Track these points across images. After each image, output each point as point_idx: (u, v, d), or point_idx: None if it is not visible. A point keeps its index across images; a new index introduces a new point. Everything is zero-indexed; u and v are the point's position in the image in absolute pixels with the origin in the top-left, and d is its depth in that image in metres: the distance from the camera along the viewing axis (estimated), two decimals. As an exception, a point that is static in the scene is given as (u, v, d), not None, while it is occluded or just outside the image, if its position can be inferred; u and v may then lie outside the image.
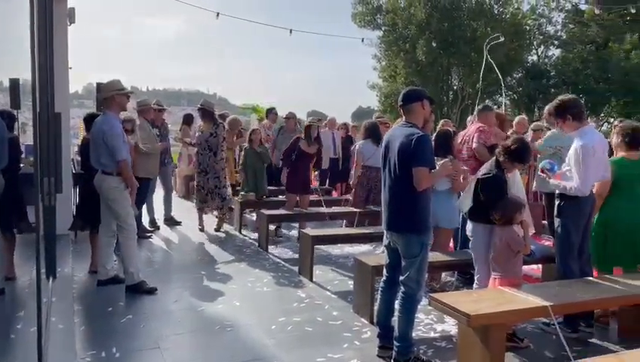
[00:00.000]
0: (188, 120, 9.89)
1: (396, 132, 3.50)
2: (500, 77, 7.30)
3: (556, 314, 3.63)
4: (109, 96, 4.84)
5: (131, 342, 3.81)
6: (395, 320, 3.51)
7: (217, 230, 7.73)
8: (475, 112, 5.98)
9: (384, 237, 3.64)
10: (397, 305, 3.49)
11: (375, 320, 3.84)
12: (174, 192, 10.10)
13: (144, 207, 7.31)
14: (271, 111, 10.56)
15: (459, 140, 5.75)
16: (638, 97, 22.68)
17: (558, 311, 3.47)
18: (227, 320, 4.24)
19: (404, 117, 3.54)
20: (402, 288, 3.45)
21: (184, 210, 9.11)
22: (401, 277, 3.46)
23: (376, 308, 3.82)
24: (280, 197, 8.07)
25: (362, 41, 22.40)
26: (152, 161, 6.96)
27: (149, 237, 7.18)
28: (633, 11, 23.38)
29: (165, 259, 6.26)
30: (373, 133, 6.96)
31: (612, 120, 22.23)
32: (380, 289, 3.71)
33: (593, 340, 4.03)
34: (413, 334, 3.79)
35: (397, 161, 3.37)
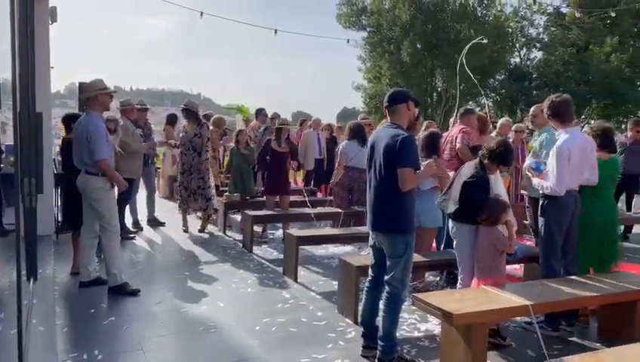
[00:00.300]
0: (171, 120, 9.83)
1: (381, 133, 3.52)
2: (475, 80, 7.35)
3: (537, 313, 3.69)
4: (92, 95, 4.80)
5: (114, 344, 3.78)
6: (379, 320, 3.53)
7: (201, 231, 7.69)
8: (457, 114, 6.02)
9: (370, 237, 3.66)
10: (381, 304, 3.51)
11: (359, 320, 3.85)
12: (158, 193, 10.03)
13: (127, 207, 7.26)
14: (260, 112, 10.50)
15: (442, 141, 5.80)
16: (617, 99, 23.07)
17: (538, 310, 3.54)
18: (211, 321, 4.22)
19: (389, 118, 3.56)
20: (387, 288, 3.47)
21: (168, 210, 9.05)
22: (386, 277, 3.48)
23: (360, 308, 3.84)
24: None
25: (347, 42, 22.42)
26: (136, 161, 6.90)
27: (133, 238, 7.12)
28: (613, 15, 23.75)
29: (148, 260, 6.21)
30: (358, 134, 6.98)
31: (592, 121, 22.55)
32: (365, 289, 3.73)
33: (574, 339, 4.10)
34: (397, 333, 3.81)
35: (382, 162, 3.39)
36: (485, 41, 7.29)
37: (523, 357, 3.72)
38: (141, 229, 7.66)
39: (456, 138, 5.69)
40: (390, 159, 3.33)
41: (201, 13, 14.91)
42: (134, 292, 4.82)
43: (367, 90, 28.33)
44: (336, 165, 7.10)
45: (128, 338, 3.88)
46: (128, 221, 7.46)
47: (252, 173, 7.93)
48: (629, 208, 7.62)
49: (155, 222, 8.07)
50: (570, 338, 4.09)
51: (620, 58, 22.76)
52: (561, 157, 3.95)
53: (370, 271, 3.72)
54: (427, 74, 26.11)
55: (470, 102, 27.80)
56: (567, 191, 4.03)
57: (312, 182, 10.60)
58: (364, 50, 27.53)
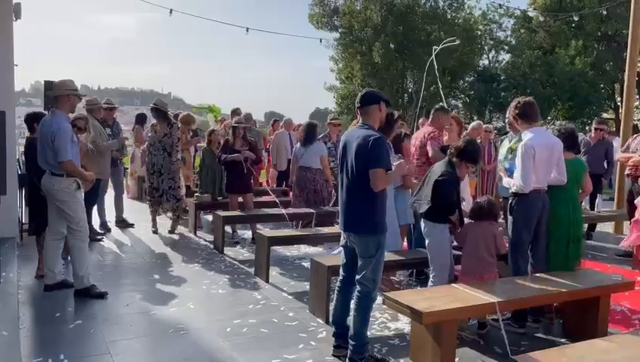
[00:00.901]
0: (141, 120, 9.69)
1: (353, 134, 3.53)
2: (440, 83, 7.43)
3: (504, 311, 3.77)
4: (64, 94, 4.70)
5: (80, 348, 3.70)
6: (350, 320, 3.54)
7: (172, 232, 7.59)
8: (431, 114, 5.98)
9: (341, 237, 3.67)
10: (352, 304, 3.52)
11: (331, 320, 3.86)
12: (126, 193, 9.87)
13: (95, 208, 7.12)
14: (235, 112, 10.41)
15: (412, 142, 5.82)
16: (581, 101, 23.71)
17: (505, 308, 3.61)
18: (181, 323, 4.17)
19: (360, 119, 3.58)
20: (358, 287, 3.48)
21: (137, 211, 8.90)
22: (358, 277, 3.49)
23: (332, 308, 3.85)
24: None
25: (320, 42, 22.46)
26: (103, 161, 6.77)
27: (100, 240, 6.98)
28: (576, 19, 24.43)
29: (117, 262, 6.09)
30: (307, 134, 7.15)
31: (559, 122, 23.11)
32: (337, 288, 3.74)
33: (540, 335, 4.19)
34: (368, 333, 3.84)
35: (354, 163, 3.40)
36: (458, 42, 7.38)
37: (490, 354, 3.78)
38: (109, 231, 7.52)
39: (427, 144, 5.57)
40: (362, 160, 3.35)
41: (171, 11, 14.72)
42: (101, 295, 4.73)
43: (339, 91, 28.42)
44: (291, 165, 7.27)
45: (95, 342, 3.80)
46: (96, 222, 7.31)
47: (223, 173, 7.88)
48: (592, 207, 7.83)
49: (123, 223, 7.93)
50: (536, 335, 4.19)
51: (584, 61, 23.42)
52: (526, 155, 4.05)
53: (341, 271, 3.73)
54: (398, 75, 26.34)
55: (440, 104, 28.16)
56: (535, 190, 4.12)
57: (285, 183, 10.58)
58: (336, 50, 27.63)
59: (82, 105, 6.80)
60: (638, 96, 21.67)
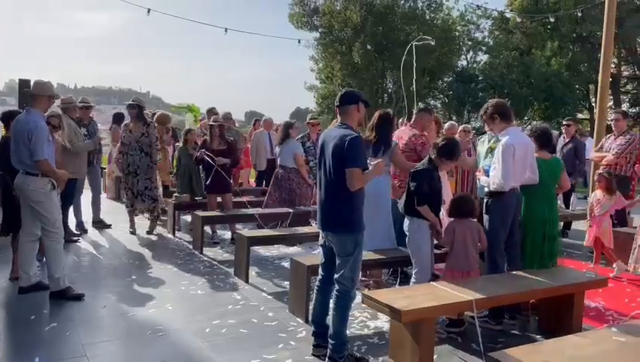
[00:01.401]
0: (118, 119, 9.55)
1: (331, 133, 3.55)
2: (414, 85, 7.47)
3: (481, 308, 3.82)
4: (43, 95, 4.63)
5: (56, 351, 3.64)
6: (329, 319, 3.55)
7: (150, 232, 7.51)
8: (414, 114, 5.98)
9: (320, 236, 3.68)
10: (331, 303, 3.53)
11: (310, 319, 3.87)
12: (104, 194, 9.73)
13: (71, 209, 7.00)
14: (210, 111, 10.33)
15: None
16: (557, 101, 24.10)
17: (482, 305, 3.66)
18: (159, 324, 4.13)
19: (339, 118, 3.60)
20: (337, 286, 3.49)
21: (114, 212, 8.77)
22: (336, 276, 3.50)
23: (311, 307, 3.86)
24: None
25: (299, 42, 22.45)
26: (79, 160, 6.67)
27: (76, 241, 6.87)
28: (552, 20, 24.83)
29: (94, 263, 6.01)
30: (282, 133, 7.27)
31: (534, 123, 23.47)
32: (316, 288, 3.74)
33: (516, 332, 4.26)
34: (348, 331, 3.86)
35: (331, 162, 3.42)
36: (433, 43, 7.43)
37: (468, 351, 3.83)
38: (85, 231, 7.41)
39: (415, 148, 5.49)
40: (338, 159, 3.36)
41: (149, 10, 14.56)
42: (78, 297, 4.65)
43: (319, 91, 28.43)
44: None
45: (72, 345, 3.75)
46: (72, 223, 7.20)
47: (200, 173, 7.83)
48: (567, 206, 7.98)
49: (100, 224, 7.82)
50: (513, 332, 4.25)
51: (560, 62, 23.82)
52: (507, 153, 4.12)
53: (320, 270, 3.74)
54: (378, 75, 26.46)
55: (420, 104, 28.39)
56: (511, 189, 4.20)
57: (264, 183, 10.55)
58: (316, 50, 27.64)
59: (57, 105, 6.69)
60: (611, 97, 22.16)
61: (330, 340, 3.49)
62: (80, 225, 7.45)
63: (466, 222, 4.23)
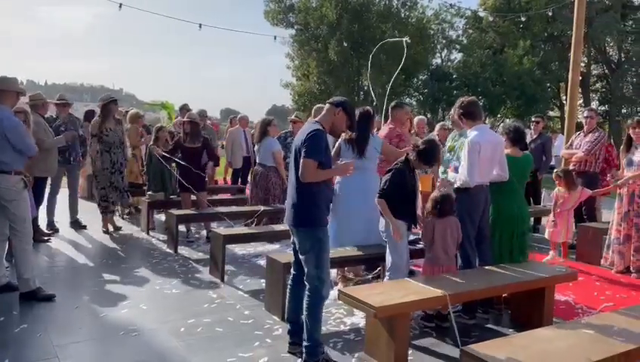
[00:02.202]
0: (89, 117, 9.35)
1: (302, 129, 3.57)
2: (378, 90, 7.55)
3: (455, 303, 3.87)
4: (11, 90, 4.52)
5: (26, 353, 3.56)
6: (303, 319, 3.51)
7: (117, 229, 7.42)
8: (390, 113, 6.02)
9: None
10: (304, 303, 3.48)
11: (286, 317, 3.86)
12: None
13: (43, 208, 6.86)
14: (184, 108, 10.21)
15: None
16: (529, 99, 24.56)
17: (454, 300, 3.71)
18: (132, 324, 4.08)
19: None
20: (307, 285, 3.45)
21: (87, 211, 8.58)
22: (305, 276, 3.45)
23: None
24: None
25: (275, 38, 22.35)
26: (49, 158, 6.52)
27: (47, 241, 6.73)
28: (524, 19, 25.27)
29: (66, 263, 5.89)
30: (260, 130, 7.19)
31: (507, 120, 23.87)
32: (289, 286, 3.73)
33: (489, 326, 4.33)
34: (324, 328, 3.87)
35: (294, 157, 3.42)
36: (409, 41, 7.47)
37: (442, 345, 3.88)
38: (56, 231, 7.25)
39: (390, 140, 5.59)
40: (298, 152, 3.36)
41: (120, 5, 14.31)
42: (49, 298, 4.56)
43: (295, 88, 28.38)
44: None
45: (42, 347, 3.67)
46: (43, 222, 7.05)
47: (172, 171, 7.76)
48: (536, 202, 8.13)
49: (76, 225, 7.65)
50: (486, 325, 4.32)
51: (532, 61, 24.26)
52: (472, 151, 4.20)
53: (292, 268, 3.73)
54: (354, 73, 26.53)
55: (395, 102, 28.53)
56: (478, 185, 4.27)
57: (240, 181, 10.51)
58: (292, 47, 27.58)
59: (25, 101, 6.55)
60: (581, 95, 22.67)
61: (304, 342, 3.44)
62: (51, 224, 7.29)
63: (445, 218, 4.25)
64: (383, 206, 4.13)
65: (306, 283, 3.44)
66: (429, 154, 4.20)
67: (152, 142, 7.70)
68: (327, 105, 3.57)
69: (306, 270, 3.43)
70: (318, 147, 3.31)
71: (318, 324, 3.43)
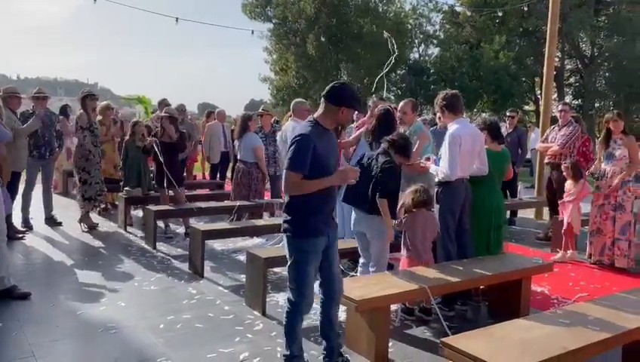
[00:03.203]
0: (65, 111, 9.17)
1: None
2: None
3: (434, 295, 3.91)
4: None
5: (1, 352, 3.49)
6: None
7: (94, 227, 7.30)
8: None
9: None
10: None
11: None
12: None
13: (17, 205, 6.71)
14: (162, 103, 10.06)
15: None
16: (505, 94, 24.83)
17: (435, 293, 3.75)
18: (111, 322, 4.03)
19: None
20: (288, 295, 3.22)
21: (64, 207, 8.44)
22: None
23: (269, 299, 3.80)
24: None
25: (252, 32, 22.18)
26: (19, 153, 6.39)
27: (22, 238, 6.59)
28: (500, 14, 25.54)
29: (42, 261, 5.78)
30: (240, 126, 7.13)
31: (484, 114, 24.14)
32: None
33: (468, 317, 4.40)
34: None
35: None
36: (392, 39, 7.46)
37: (421, 337, 3.92)
38: (31, 228, 7.11)
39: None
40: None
41: (95, -2, 14.06)
42: (24, 296, 4.48)
43: (274, 82, 28.23)
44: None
45: (18, 345, 3.60)
46: (17, 219, 6.90)
47: (149, 167, 7.69)
48: (513, 195, 8.25)
49: (52, 221, 7.50)
50: (465, 317, 4.39)
51: (508, 55, 24.51)
52: (453, 144, 4.24)
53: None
54: (332, 67, 26.48)
55: (373, 95, 28.64)
56: (459, 179, 4.32)
57: (219, 176, 10.43)
58: (270, 41, 27.40)
59: (-2, 94, 6.41)
60: (555, 90, 23.04)
61: (285, 353, 3.22)
62: (26, 221, 7.15)
63: (426, 213, 4.28)
64: (385, 205, 4.05)
65: (288, 293, 3.19)
66: (408, 148, 4.24)
67: (128, 137, 7.60)
68: (326, 103, 3.08)
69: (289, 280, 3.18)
70: (300, 157, 2.94)
71: (291, 338, 3.18)
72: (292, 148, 2.97)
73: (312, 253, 3.09)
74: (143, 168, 7.46)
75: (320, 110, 3.13)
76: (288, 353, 3.20)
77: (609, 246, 5.92)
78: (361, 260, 4.42)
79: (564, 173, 6.33)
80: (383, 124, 4.88)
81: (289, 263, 3.14)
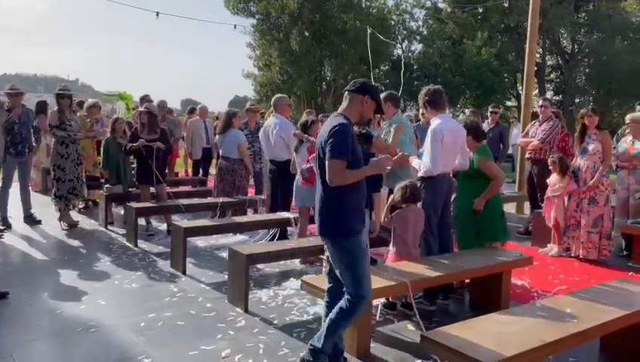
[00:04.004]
0: (42, 108, 9.01)
1: (325, 124, 3.14)
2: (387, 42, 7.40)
3: (416, 290, 3.94)
4: None
5: (-22, 354, 3.44)
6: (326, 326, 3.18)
7: (75, 225, 7.21)
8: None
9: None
10: (335, 307, 3.14)
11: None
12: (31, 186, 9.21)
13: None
14: (144, 99, 9.94)
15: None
16: (487, 90, 25.07)
17: (415, 287, 3.77)
18: (91, 320, 3.98)
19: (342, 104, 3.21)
20: (346, 296, 3.11)
21: (43, 205, 8.31)
22: (345, 289, 3.13)
23: (251, 296, 3.79)
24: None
25: (234, 27, 22.06)
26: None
27: (0, 237, 6.48)
28: (482, 11, 25.73)
29: (20, 260, 5.69)
30: (224, 122, 7.08)
31: (467, 110, 24.32)
32: (325, 303, 3.35)
33: (450, 311, 4.44)
34: (287, 318, 3.90)
35: (320, 157, 3.05)
36: (375, 33, 7.44)
37: (404, 332, 3.94)
38: (9, 227, 6.99)
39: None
40: (321, 152, 3.00)
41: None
42: (2, 295, 4.40)
43: (257, 79, 28.10)
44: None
45: (-5, 346, 3.55)
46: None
47: (129, 163, 7.61)
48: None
49: (30, 220, 7.38)
50: (447, 311, 4.42)
51: (489, 52, 24.72)
52: (435, 139, 4.26)
53: (326, 282, 3.34)
54: (316, 63, 26.44)
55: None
56: (441, 173, 4.35)
57: (202, 172, 10.36)
58: (253, 37, 27.25)
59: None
60: (537, 85, 23.29)
61: (313, 342, 3.17)
62: (4, 220, 7.03)
63: (415, 208, 4.29)
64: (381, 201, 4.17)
65: (346, 295, 3.09)
66: (368, 139, 4.38)
67: (109, 134, 7.51)
68: (350, 93, 3.12)
69: (345, 286, 3.10)
70: (344, 144, 2.91)
71: (333, 334, 3.13)
72: (334, 136, 2.92)
73: (360, 249, 3.06)
74: (123, 165, 7.37)
75: (344, 104, 3.15)
76: (320, 346, 3.12)
77: (585, 239, 6.01)
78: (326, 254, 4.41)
79: (551, 168, 6.35)
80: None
81: (339, 269, 3.06)
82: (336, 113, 3.16)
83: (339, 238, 3.02)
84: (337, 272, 3.10)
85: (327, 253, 3.24)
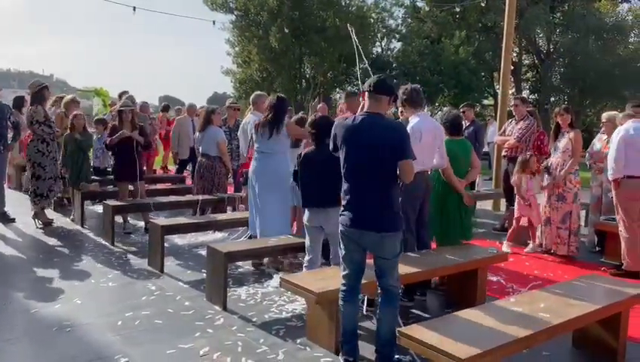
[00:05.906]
0: (19, 103, 8.82)
1: (364, 123, 3.21)
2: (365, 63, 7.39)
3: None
4: None
5: (-51, 355, 3.37)
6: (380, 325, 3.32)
7: (50, 223, 7.09)
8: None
9: (343, 241, 3.33)
10: (381, 308, 3.32)
11: (341, 339, 3.39)
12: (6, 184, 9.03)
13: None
14: (123, 95, 9.77)
15: None
16: (465, 88, 25.33)
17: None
18: (66, 320, 3.93)
19: (367, 104, 3.31)
20: (385, 291, 3.30)
21: (17, 203, 8.15)
22: (383, 280, 3.29)
23: (230, 294, 3.77)
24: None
25: (214, 23, 21.85)
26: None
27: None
28: (459, 10, 25.99)
29: (-8, 259, 5.59)
30: (205, 119, 7.06)
31: (445, 108, 24.55)
32: (341, 301, 3.36)
33: (427, 307, 4.49)
34: (266, 316, 3.89)
35: (381, 153, 3.15)
36: (351, 29, 7.45)
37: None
38: (-18, 225, 6.86)
39: None
40: (391, 149, 3.15)
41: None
42: (-26, 296, 4.33)
43: (236, 75, 27.94)
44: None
45: (-33, 347, 3.48)
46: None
47: (88, 160, 7.58)
48: (471, 187, 8.42)
49: (4, 218, 7.24)
50: (424, 307, 4.48)
51: (467, 51, 24.99)
52: (413, 137, 4.28)
53: (344, 280, 3.35)
54: (296, 60, 26.40)
55: (337, 89, 28.74)
56: (418, 172, 4.38)
57: (191, 172, 10.22)
58: (232, 33, 27.06)
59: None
60: (513, 84, 23.62)
61: (381, 347, 3.27)
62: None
63: None
64: None
65: (386, 289, 3.27)
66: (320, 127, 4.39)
67: (68, 130, 7.36)
68: (378, 95, 3.24)
69: (386, 276, 3.25)
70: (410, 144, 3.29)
71: (394, 327, 3.20)
72: (408, 139, 3.24)
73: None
74: (81, 162, 7.27)
75: (372, 104, 3.27)
76: (394, 354, 3.27)
77: (554, 235, 6.14)
78: (307, 257, 4.43)
79: (521, 168, 6.48)
80: (279, 113, 5.19)
81: (393, 260, 3.23)
82: (368, 113, 3.26)
83: (397, 232, 3.25)
84: (385, 264, 3.23)
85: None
